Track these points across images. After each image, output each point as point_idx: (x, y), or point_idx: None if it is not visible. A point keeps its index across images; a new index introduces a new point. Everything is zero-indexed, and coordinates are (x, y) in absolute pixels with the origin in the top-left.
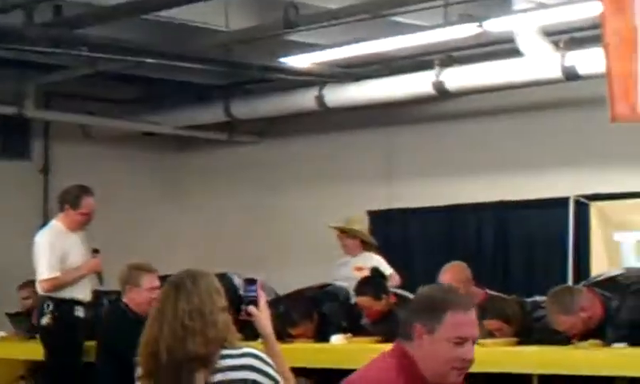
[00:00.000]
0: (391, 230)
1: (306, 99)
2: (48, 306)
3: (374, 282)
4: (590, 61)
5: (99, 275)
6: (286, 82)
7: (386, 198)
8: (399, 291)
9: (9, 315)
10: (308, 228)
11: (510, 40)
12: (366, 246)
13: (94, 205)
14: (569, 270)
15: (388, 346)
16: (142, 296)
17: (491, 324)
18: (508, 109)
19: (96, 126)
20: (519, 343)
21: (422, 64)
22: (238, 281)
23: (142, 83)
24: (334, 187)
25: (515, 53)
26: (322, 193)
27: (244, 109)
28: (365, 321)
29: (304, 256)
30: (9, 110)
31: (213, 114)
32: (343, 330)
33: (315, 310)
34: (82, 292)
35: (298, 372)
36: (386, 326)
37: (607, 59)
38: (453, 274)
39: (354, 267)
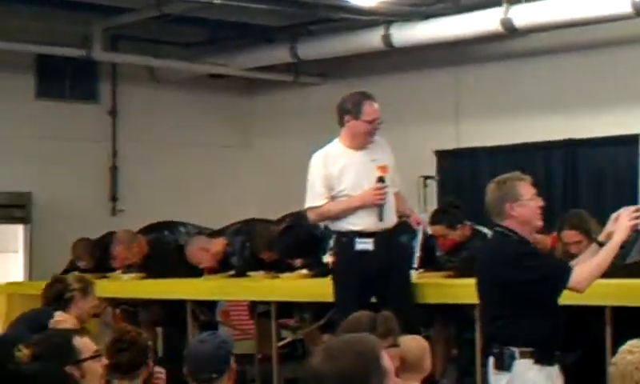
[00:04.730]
0: (459, 170)
1: (372, 39)
2: (330, 242)
3: (449, 212)
4: None
5: (380, 208)
6: (352, 21)
7: (454, 137)
8: (475, 225)
9: None
10: None
11: None
12: None
13: (378, 110)
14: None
15: (459, 282)
16: (528, 208)
17: (570, 235)
18: (576, 46)
19: (163, 68)
20: None
21: (490, 1)
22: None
23: (208, 25)
24: (402, 128)
25: None
26: (390, 134)
27: (310, 50)
28: (439, 252)
29: None
30: (77, 53)
31: (278, 55)
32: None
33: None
34: (363, 222)
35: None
36: (460, 259)
37: None
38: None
39: None
